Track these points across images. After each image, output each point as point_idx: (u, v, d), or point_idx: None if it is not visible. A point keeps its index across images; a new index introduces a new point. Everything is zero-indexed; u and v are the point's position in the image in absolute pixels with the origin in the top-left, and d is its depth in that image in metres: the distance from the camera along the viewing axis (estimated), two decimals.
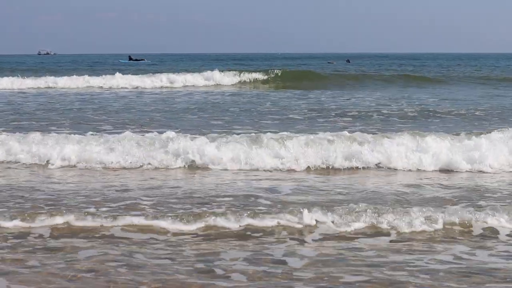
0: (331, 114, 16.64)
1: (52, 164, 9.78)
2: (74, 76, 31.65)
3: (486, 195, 7.82)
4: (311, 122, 14.94)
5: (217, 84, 30.76)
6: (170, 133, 10.55)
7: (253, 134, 10.75)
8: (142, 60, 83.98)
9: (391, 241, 5.86)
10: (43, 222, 6.26)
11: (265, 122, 15.06)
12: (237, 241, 5.81)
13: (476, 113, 16.85)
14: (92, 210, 6.86)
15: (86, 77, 31.17)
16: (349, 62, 65.92)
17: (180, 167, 9.68)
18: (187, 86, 30.13)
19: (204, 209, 6.91)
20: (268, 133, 10.66)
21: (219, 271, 4.97)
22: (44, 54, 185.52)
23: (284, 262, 5.22)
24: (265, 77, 32.16)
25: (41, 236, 5.96)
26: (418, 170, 9.59)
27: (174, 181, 8.79)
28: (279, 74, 32.71)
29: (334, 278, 4.83)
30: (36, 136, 10.71)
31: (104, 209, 6.96)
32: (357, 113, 16.79)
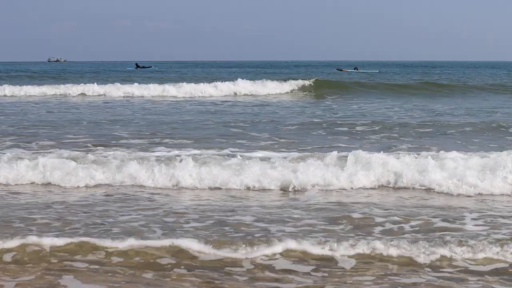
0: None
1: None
2: (136, 84, 31.25)
3: None
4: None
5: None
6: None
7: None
8: (149, 67, 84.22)
9: None
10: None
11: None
12: None
13: None
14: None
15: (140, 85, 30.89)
16: (357, 69, 65.65)
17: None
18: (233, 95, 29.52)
19: None
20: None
21: None
22: (54, 61, 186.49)
23: None
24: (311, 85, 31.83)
25: None
26: None
27: None
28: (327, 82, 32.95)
29: None
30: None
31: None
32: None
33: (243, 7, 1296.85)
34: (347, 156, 9.38)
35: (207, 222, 6.86)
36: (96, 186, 8.95)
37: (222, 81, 31.76)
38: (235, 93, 29.70)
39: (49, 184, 9.05)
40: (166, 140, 12.99)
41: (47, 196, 8.38)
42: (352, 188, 8.81)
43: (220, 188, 8.79)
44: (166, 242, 5.88)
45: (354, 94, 29.19)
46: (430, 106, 22.71)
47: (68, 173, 9.13)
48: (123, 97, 28.64)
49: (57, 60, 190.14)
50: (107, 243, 5.86)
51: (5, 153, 10.35)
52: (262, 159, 9.69)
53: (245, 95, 29.34)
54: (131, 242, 5.84)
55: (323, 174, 8.90)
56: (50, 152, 10.73)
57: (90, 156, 10.03)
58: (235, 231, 6.45)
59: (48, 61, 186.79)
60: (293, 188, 8.65)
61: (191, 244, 5.81)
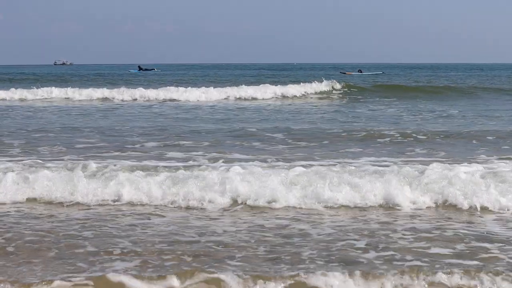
0: None
1: None
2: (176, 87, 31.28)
3: None
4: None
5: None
6: None
7: None
8: (152, 69, 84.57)
9: None
10: None
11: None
12: None
13: None
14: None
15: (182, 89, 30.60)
16: (361, 72, 65.39)
17: None
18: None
19: None
20: None
21: None
22: (60, 64, 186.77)
23: None
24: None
25: None
26: None
27: None
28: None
29: None
30: None
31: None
32: None
33: (243, 7, 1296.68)
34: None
35: None
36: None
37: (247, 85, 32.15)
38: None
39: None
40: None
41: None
42: None
43: None
44: None
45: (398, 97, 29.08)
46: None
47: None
48: (133, 100, 28.65)
49: (63, 63, 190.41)
50: None
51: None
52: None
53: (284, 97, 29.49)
54: None
55: None
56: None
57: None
58: None
59: (55, 64, 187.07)
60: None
61: None
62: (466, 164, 9.59)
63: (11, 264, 5.58)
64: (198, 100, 28.10)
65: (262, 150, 12.22)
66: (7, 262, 5.64)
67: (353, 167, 9.15)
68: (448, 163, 9.62)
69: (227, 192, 8.04)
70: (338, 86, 32.26)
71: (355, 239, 6.33)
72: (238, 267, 5.47)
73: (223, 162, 10.14)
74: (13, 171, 8.86)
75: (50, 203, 8.09)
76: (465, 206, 7.68)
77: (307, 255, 5.82)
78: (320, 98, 29.33)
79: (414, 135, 14.24)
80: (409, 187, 8.02)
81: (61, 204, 8.03)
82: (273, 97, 29.50)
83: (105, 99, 29.16)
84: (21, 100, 29.04)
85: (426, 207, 7.76)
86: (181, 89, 30.81)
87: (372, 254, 5.83)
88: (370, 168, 9.19)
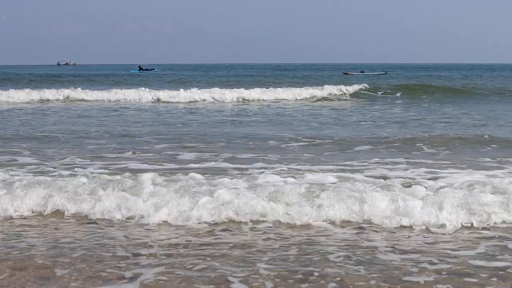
0: None
1: None
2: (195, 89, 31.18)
3: None
4: None
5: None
6: None
7: None
8: (152, 69, 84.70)
9: None
10: None
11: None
12: None
13: None
14: None
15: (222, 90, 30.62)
16: (363, 72, 65.31)
17: None
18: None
19: None
20: None
21: None
22: (64, 64, 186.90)
23: None
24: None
25: None
26: None
27: None
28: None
29: None
30: None
31: None
32: None
33: (243, 7, 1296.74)
34: None
35: None
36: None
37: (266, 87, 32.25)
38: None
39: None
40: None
41: None
42: None
43: None
44: None
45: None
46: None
47: None
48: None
49: (67, 63, 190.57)
50: None
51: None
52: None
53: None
54: None
55: None
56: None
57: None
58: None
59: (58, 65, 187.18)
60: None
61: None
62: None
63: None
64: (201, 102, 28.07)
65: (274, 151, 12.22)
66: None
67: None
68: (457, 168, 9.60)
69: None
70: (344, 87, 32.18)
71: None
72: None
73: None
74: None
75: None
76: None
77: None
78: (328, 100, 29.24)
79: (423, 137, 14.15)
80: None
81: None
82: (280, 99, 29.34)
83: (104, 99, 29.16)
84: (27, 102, 29.05)
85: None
86: (186, 90, 30.83)
87: None
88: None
